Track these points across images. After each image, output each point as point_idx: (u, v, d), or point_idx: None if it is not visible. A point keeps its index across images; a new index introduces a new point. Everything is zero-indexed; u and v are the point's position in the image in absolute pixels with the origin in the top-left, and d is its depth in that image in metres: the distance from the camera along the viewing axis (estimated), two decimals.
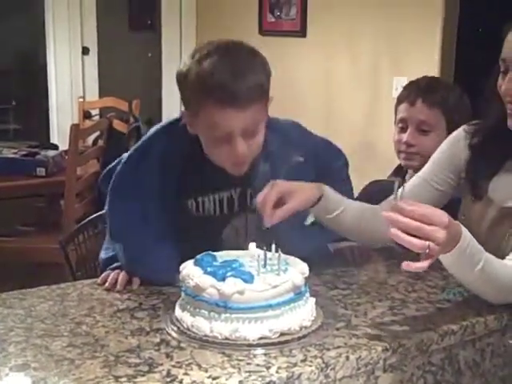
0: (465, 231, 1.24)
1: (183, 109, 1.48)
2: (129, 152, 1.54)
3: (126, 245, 1.49)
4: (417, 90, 1.91)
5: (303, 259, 1.29)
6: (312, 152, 1.58)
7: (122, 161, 1.54)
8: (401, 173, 1.97)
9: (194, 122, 1.43)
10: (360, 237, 1.57)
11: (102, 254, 1.59)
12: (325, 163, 1.61)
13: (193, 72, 1.37)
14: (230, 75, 1.34)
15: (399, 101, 1.97)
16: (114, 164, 1.58)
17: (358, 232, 1.54)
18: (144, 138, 1.56)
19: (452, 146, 1.57)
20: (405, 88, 1.99)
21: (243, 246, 1.34)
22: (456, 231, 1.22)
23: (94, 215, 2.07)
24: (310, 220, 1.45)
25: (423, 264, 1.18)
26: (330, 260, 1.62)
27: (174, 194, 1.49)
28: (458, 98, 1.91)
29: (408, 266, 1.18)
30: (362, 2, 3.78)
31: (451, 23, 3.60)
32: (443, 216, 1.18)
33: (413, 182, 1.60)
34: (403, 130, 1.93)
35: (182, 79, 1.41)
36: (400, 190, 1.21)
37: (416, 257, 1.18)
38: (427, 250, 1.16)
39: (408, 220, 1.16)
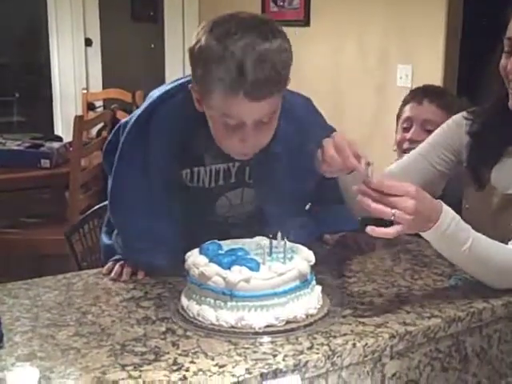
0: (446, 209, 1.24)
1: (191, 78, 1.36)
2: (133, 118, 1.47)
3: (127, 215, 1.47)
4: (424, 91, 1.98)
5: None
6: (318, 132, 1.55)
7: (130, 122, 1.47)
8: None
9: (203, 101, 1.33)
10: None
11: (104, 238, 1.58)
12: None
13: (209, 51, 1.25)
14: (249, 63, 1.22)
15: (404, 103, 2.01)
16: (110, 137, 1.54)
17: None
18: (146, 103, 1.47)
19: (451, 130, 1.57)
20: (411, 91, 2.04)
21: (235, 220, 1.32)
22: (434, 207, 1.23)
23: (99, 206, 2.07)
24: (307, 206, 1.43)
25: (389, 230, 1.20)
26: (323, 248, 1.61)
27: (175, 162, 1.45)
28: (463, 108, 1.92)
29: (373, 230, 1.19)
30: None
31: (456, 11, 3.57)
32: (410, 187, 1.20)
33: (411, 157, 1.59)
34: (406, 129, 1.97)
35: (196, 55, 1.28)
36: (370, 169, 1.22)
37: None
38: (393, 217, 1.18)
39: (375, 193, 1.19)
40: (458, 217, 1.27)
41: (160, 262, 1.43)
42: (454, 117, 1.59)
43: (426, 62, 3.54)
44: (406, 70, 3.65)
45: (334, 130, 1.61)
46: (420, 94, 1.98)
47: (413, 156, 1.59)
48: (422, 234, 1.26)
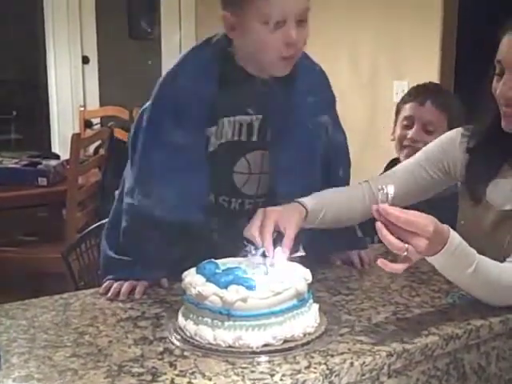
0: (453, 234, 1.25)
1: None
2: (163, 75, 1.52)
3: (156, 174, 1.46)
4: (427, 92, 2.03)
5: None
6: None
7: (159, 82, 1.51)
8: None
9: (239, 20, 1.40)
10: (341, 224, 1.57)
11: (107, 249, 1.55)
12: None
13: None
14: None
15: (405, 101, 2.07)
16: (134, 129, 1.55)
17: (338, 222, 1.55)
18: (176, 62, 1.51)
19: (447, 143, 1.59)
20: (412, 89, 2.10)
21: (252, 185, 1.40)
22: (442, 235, 1.23)
23: (96, 224, 2.07)
24: (300, 253, 1.40)
25: (399, 266, 1.20)
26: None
27: (202, 119, 1.47)
28: (459, 106, 2.03)
29: (383, 264, 1.20)
30: (361, 5, 3.78)
31: (450, 27, 3.60)
32: (428, 226, 1.19)
33: (406, 164, 1.61)
34: (408, 127, 2.02)
35: None
36: (389, 194, 1.21)
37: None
38: (405, 253, 1.18)
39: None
40: (463, 241, 1.27)
41: (196, 217, 1.45)
42: (448, 133, 1.62)
43: (422, 78, 3.55)
44: (401, 86, 3.67)
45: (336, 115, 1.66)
46: (422, 94, 2.03)
47: (409, 164, 1.61)
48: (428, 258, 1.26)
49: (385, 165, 2.14)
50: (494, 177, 1.48)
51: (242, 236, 1.36)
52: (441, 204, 1.60)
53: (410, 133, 2.00)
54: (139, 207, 1.48)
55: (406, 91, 3.61)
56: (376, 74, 3.85)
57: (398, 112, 2.11)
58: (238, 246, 1.37)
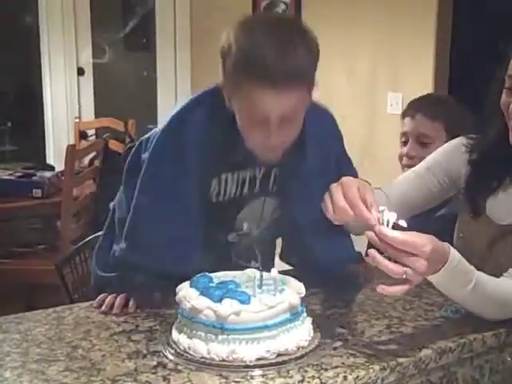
0: (453, 252, 1.24)
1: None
2: (167, 120, 1.47)
3: (155, 227, 1.42)
4: (417, 105, 1.98)
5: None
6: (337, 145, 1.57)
7: (160, 128, 1.47)
8: None
9: (231, 97, 1.37)
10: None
11: (97, 269, 1.54)
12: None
13: (235, 45, 1.31)
14: (273, 54, 1.26)
15: (402, 117, 2.02)
16: (130, 157, 1.54)
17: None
18: (180, 107, 1.47)
19: (449, 154, 1.56)
20: (408, 104, 2.05)
21: (255, 230, 1.34)
22: (442, 254, 1.22)
23: (91, 237, 2.07)
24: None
25: (397, 289, 1.19)
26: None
27: (204, 169, 1.44)
28: (461, 112, 1.96)
29: (383, 290, 1.19)
30: (357, 16, 3.80)
31: (445, 39, 3.62)
32: (426, 246, 1.18)
33: (407, 176, 1.59)
34: (405, 143, 1.98)
35: (224, 51, 1.34)
36: (390, 221, 1.19)
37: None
38: (404, 276, 1.17)
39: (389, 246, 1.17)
40: (463, 258, 1.26)
41: (187, 271, 1.37)
42: (453, 141, 1.59)
43: (416, 90, 3.56)
44: (396, 97, 3.69)
45: (349, 160, 1.62)
46: (414, 107, 1.99)
47: (409, 177, 1.59)
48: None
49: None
50: (495, 191, 1.47)
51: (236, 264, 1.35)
52: (441, 224, 1.59)
53: (405, 149, 1.95)
54: (125, 256, 1.46)
55: (399, 103, 3.67)
56: (371, 85, 3.87)
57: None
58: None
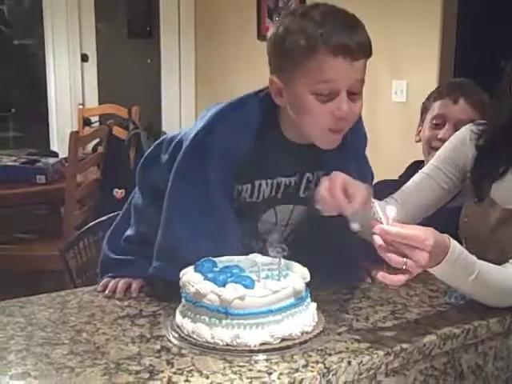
0: (454, 244, 1.24)
1: (272, 78, 1.37)
2: (193, 132, 1.40)
3: (187, 237, 1.37)
4: (460, 89, 1.92)
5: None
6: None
7: (188, 138, 1.40)
8: (414, 171, 1.94)
9: (288, 86, 1.34)
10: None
11: (106, 249, 1.53)
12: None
13: (296, 26, 1.30)
14: (342, 25, 1.30)
15: (435, 98, 1.96)
16: (149, 152, 1.51)
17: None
18: (210, 115, 1.41)
19: (458, 145, 1.57)
20: (444, 87, 1.99)
21: (277, 236, 1.29)
22: (443, 247, 1.22)
23: (94, 222, 2.07)
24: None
25: (398, 277, 1.20)
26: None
27: (234, 178, 1.41)
28: (488, 102, 1.90)
29: (384, 277, 1.20)
30: (361, 6, 3.77)
31: (450, 27, 3.60)
32: (428, 239, 1.18)
33: (417, 177, 1.60)
34: (438, 126, 1.92)
35: (277, 40, 1.33)
36: (390, 217, 1.20)
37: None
38: (404, 267, 1.18)
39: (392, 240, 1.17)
40: (464, 250, 1.26)
41: None
42: (458, 133, 1.59)
43: (421, 78, 3.56)
44: (400, 85, 3.67)
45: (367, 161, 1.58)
46: (456, 91, 1.92)
47: (421, 177, 1.59)
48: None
49: (389, 173, 2.06)
50: (501, 175, 1.48)
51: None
52: (452, 217, 1.58)
53: (441, 133, 1.89)
54: (158, 274, 1.41)
55: (404, 91, 3.65)
56: (375, 73, 3.85)
57: (425, 111, 2.00)
58: None
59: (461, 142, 1.57)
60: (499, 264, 1.34)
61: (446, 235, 1.24)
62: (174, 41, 4.98)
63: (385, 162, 2.16)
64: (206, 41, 4.69)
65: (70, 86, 4.93)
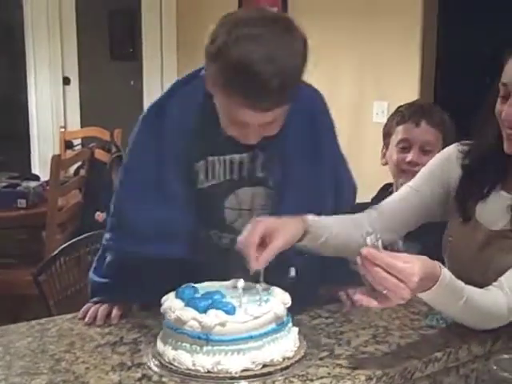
0: (444, 272, 1.23)
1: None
2: (146, 108, 1.49)
3: (140, 208, 1.43)
4: (420, 112, 1.96)
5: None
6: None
7: (140, 118, 1.49)
8: (384, 193, 1.97)
9: (213, 90, 1.36)
10: (347, 251, 1.48)
11: (93, 275, 1.53)
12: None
13: (222, 51, 1.28)
14: (262, 74, 1.24)
15: (398, 122, 1.99)
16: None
17: (344, 248, 1.48)
18: (163, 93, 1.49)
19: (444, 162, 1.57)
20: (404, 110, 2.01)
21: (245, 221, 1.32)
22: (432, 276, 1.21)
23: (67, 244, 2.07)
24: (292, 273, 1.36)
25: (373, 304, 1.19)
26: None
27: (187, 155, 1.44)
28: (451, 122, 1.97)
29: (361, 299, 1.19)
30: (342, 27, 3.82)
31: (430, 49, 3.65)
32: (414, 276, 1.17)
33: (403, 191, 1.60)
34: (405, 149, 1.96)
35: (210, 51, 1.32)
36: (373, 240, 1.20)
37: None
38: (385, 291, 1.17)
39: (377, 268, 1.16)
40: (453, 277, 1.26)
41: (176, 252, 1.41)
42: (445, 150, 1.60)
43: (402, 99, 3.57)
44: (381, 106, 3.70)
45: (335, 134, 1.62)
46: (417, 114, 1.96)
47: (407, 190, 1.60)
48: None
49: (369, 194, 2.08)
50: (486, 196, 1.48)
51: (233, 272, 1.33)
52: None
53: (409, 156, 1.93)
54: (112, 243, 1.48)
55: (385, 112, 3.68)
56: (357, 94, 3.89)
57: (388, 134, 2.03)
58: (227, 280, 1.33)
59: (447, 159, 1.57)
60: (482, 285, 1.35)
61: (436, 263, 1.23)
62: (156, 63, 4.99)
63: (365, 181, 2.16)
64: (188, 64, 4.68)
65: (52, 109, 4.92)
